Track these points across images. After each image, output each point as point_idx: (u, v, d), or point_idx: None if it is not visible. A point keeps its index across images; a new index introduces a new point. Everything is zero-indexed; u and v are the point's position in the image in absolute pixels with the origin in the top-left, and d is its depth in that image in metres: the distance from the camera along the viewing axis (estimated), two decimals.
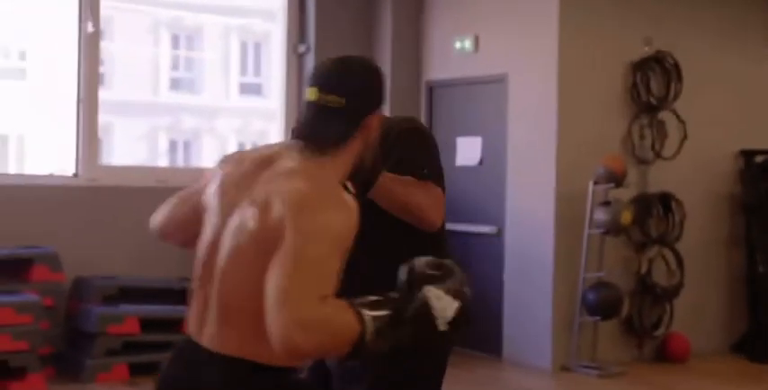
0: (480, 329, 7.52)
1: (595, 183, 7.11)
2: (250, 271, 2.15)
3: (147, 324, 6.63)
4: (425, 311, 2.16)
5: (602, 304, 7.06)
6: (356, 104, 2.30)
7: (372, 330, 2.06)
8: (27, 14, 13.48)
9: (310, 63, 7.99)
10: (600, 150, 7.23)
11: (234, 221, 2.26)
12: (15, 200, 6.67)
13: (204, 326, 2.30)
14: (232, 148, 16.57)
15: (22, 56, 16.04)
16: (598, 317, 7.08)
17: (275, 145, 2.49)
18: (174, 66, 18.02)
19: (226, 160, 2.43)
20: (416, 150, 2.92)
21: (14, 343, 6.02)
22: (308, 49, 8.01)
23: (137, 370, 6.51)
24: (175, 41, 17.72)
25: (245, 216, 2.22)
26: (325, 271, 2.07)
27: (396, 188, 2.76)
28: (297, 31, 8.06)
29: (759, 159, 8.00)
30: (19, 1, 12.59)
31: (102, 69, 17.04)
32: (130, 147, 16.65)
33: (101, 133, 17.39)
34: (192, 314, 2.37)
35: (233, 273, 2.23)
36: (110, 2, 16.06)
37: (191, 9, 16.94)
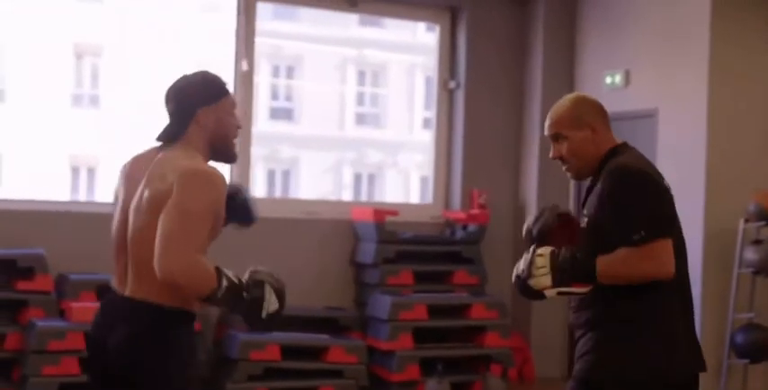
0: None
1: (746, 221, 6.88)
2: (151, 230, 2.86)
3: (291, 352, 6.83)
4: (260, 299, 2.94)
5: (751, 346, 6.79)
6: (179, 106, 3.07)
7: (223, 291, 2.82)
8: (183, 53, 14.20)
9: (461, 98, 8.10)
10: (752, 187, 6.99)
11: (136, 197, 3.05)
12: None
13: (125, 284, 3.06)
14: (415, 182, 16.85)
15: None
16: (747, 360, 6.82)
17: (144, 151, 3.49)
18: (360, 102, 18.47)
19: (121, 168, 3.53)
20: (625, 206, 3.10)
21: None
22: (458, 85, 8.11)
23: None
24: (361, 78, 18.20)
25: (145, 190, 2.99)
26: (201, 226, 2.86)
27: (617, 272, 3.09)
28: (448, 67, 8.17)
29: None
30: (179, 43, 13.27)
31: (291, 105, 17.71)
32: (317, 180, 17.17)
33: (288, 166, 17.94)
34: (117, 276, 3.29)
35: (140, 235, 2.96)
36: (298, 42, 16.67)
37: (376, 47, 17.38)
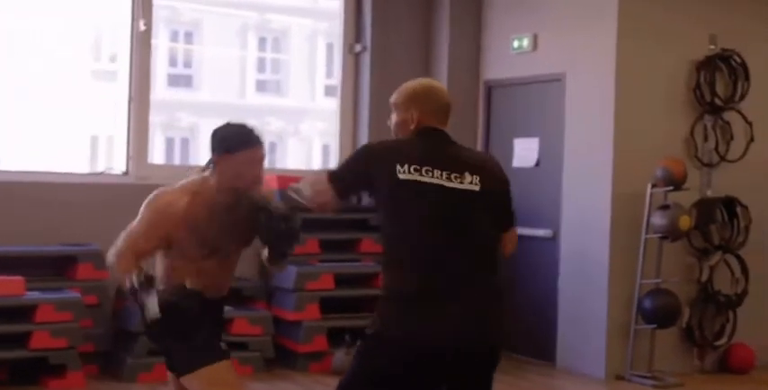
0: (534, 335, 7.34)
1: (654, 186, 6.86)
2: None
3: None
4: (143, 307, 3.54)
5: (658, 311, 6.81)
6: (211, 151, 3.73)
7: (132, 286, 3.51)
8: (117, 19, 13.71)
9: (367, 62, 7.91)
10: (660, 152, 6.98)
11: None
12: (63, 198, 6.72)
13: None
14: (317, 151, 16.63)
15: (113, 58, 16.34)
16: (654, 325, 6.82)
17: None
18: (261, 69, 18.14)
19: None
20: None
21: (54, 341, 6.06)
22: (364, 49, 7.91)
23: None
24: (262, 44, 17.86)
25: None
26: (142, 230, 3.71)
27: None
28: (353, 30, 7.97)
29: None
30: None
31: (190, 71, 17.32)
32: None
33: (188, 134, 17.57)
34: None
35: None
36: (197, 5, 16.29)
37: (277, 11, 17.05)
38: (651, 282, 6.89)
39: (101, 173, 7.19)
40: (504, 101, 7.88)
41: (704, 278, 7.17)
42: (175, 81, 17.03)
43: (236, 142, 3.63)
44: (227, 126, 3.70)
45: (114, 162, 7.29)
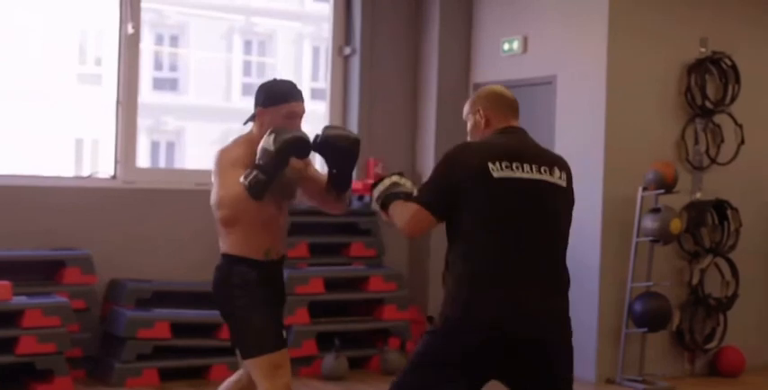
0: None
1: (645, 189, 6.84)
2: None
3: (181, 329, 6.56)
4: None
5: (649, 315, 6.78)
6: (255, 104, 3.91)
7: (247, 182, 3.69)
8: (102, 23, 13.65)
9: (356, 65, 7.87)
10: (651, 155, 6.96)
11: None
12: (52, 202, 6.66)
13: None
14: None
15: (98, 62, 16.26)
16: (645, 329, 6.80)
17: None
18: (247, 72, 18.10)
19: None
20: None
21: (41, 346, 5.99)
22: (353, 51, 7.88)
23: (167, 375, 6.45)
24: (248, 47, 17.81)
25: None
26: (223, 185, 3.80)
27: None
28: (343, 33, 7.93)
29: None
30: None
31: (175, 75, 17.25)
32: (203, 152, 16.76)
33: (173, 137, 17.51)
34: None
35: None
36: (183, 8, 16.24)
37: (264, 15, 17.01)
38: (642, 285, 6.87)
39: (87, 177, 7.13)
40: None
41: (695, 281, 7.15)
42: (161, 84, 16.98)
43: (278, 95, 3.85)
44: (273, 81, 3.93)
45: (100, 165, 7.22)
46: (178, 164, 16.96)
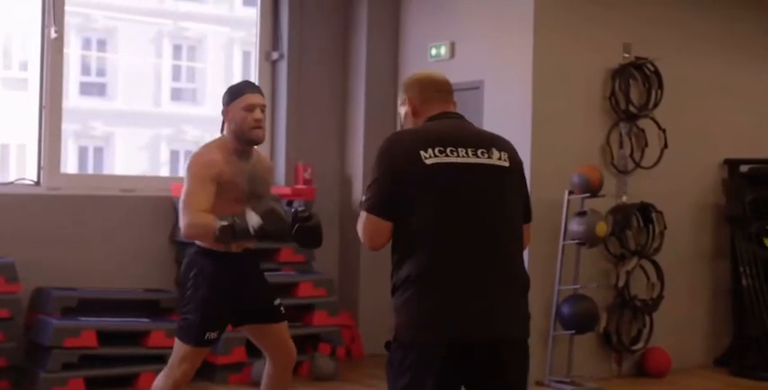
0: None
1: (571, 193, 6.92)
2: None
3: (108, 337, 6.47)
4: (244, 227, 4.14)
5: (577, 317, 6.85)
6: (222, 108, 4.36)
7: (218, 233, 4.12)
8: (27, 26, 13.44)
9: (284, 70, 7.85)
10: (577, 159, 7.04)
11: None
12: None
13: None
14: None
15: (24, 66, 16.01)
16: (573, 331, 6.87)
17: None
18: (176, 77, 17.97)
19: None
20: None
21: None
22: (281, 56, 7.86)
23: (94, 384, 6.36)
24: (177, 52, 17.67)
25: None
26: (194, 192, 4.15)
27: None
28: (270, 37, 7.91)
29: (744, 169, 7.78)
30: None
31: (104, 80, 17.05)
32: (132, 157, 16.59)
33: (102, 143, 17.30)
34: None
35: None
36: (111, 12, 16.05)
37: (193, 19, 16.90)
38: (569, 288, 6.94)
39: (10, 184, 7.00)
40: None
41: (621, 283, 7.24)
42: (89, 89, 16.76)
43: (235, 91, 4.28)
44: (233, 84, 4.36)
45: (27, 172, 7.11)
46: (107, 170, 16.77)
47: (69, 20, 7.04)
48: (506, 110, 7.15)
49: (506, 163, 3.22)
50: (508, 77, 7.14)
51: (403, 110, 3.44)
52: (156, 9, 16.52)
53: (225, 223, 4.09)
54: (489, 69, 7.28)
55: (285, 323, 4.64)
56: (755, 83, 8.09)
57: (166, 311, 6.84)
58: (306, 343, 7.14)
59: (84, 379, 6.31)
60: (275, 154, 7.90)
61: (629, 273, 7.26)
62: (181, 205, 4.18)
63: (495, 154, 3.22)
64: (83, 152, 16.54)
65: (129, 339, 6.58)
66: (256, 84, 4.44)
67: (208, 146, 4.29)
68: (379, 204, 3.15)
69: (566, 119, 7.10)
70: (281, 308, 4.63)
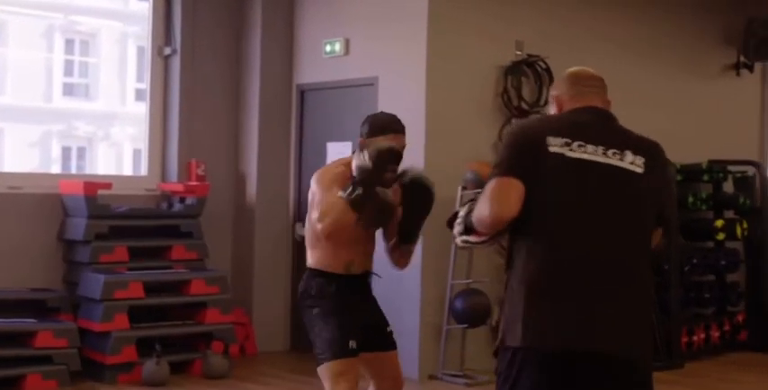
0: None
1: (464, 189, 6.97)
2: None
3: None
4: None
5: (469, 311, 6.92)
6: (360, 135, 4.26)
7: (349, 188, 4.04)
8: None
9: (177, 66, 7.75)
10: (470, 155, 7.09)
11: None
12: None
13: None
14: (128, 156, 16.23)
15: None
16: (466, 325, 6.94)
17: None
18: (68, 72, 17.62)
19: None
20: None
21: None
22: (174, 52, 7.75)
23: None
24: (70, 46, 17.33)
25: None
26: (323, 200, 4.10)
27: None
28: (163, 33, 7.79)
29: None
30: None
31: None
32: (22, 153, 16.20)
33: None
34: None
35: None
36: (1, 5, 15.75)
37: (85, 13, 16.58)
38: (462, 282, 7.00)
39: None
40: (317, 105, 7.87)
41: None
42: None
43: (376, 128, 4.20)
44: (378, 114, 4.40)
45: None
46: None
47: None
48: (400, 107, 7.09)
49: (639, 169, 3.02)
50: (402, 74, 7.17)
51: (551, 109, 3.26)
52: (47, 3, 16.15)
53: (343, 190, 4.05)
54: (383, 65, 7.30)
55: (396, 352, 4.39)
56: (652, 82, 8.28)
57: (53, 311, 6.70)
58: (198, 341, 7.07)
59: None
60: (167, 150, 7.79)
61: None
62: (318, 214, 4.08)
63: (629, 157, 3.03)
64: None
65: (16, 340, 6.42)
66: (397, 121, 4.29)
67: (335, 164, 4.34)
68: (509, 167, 2.99)
69: (459, 115, 7.16)
70: (393, 336, 4.40)
